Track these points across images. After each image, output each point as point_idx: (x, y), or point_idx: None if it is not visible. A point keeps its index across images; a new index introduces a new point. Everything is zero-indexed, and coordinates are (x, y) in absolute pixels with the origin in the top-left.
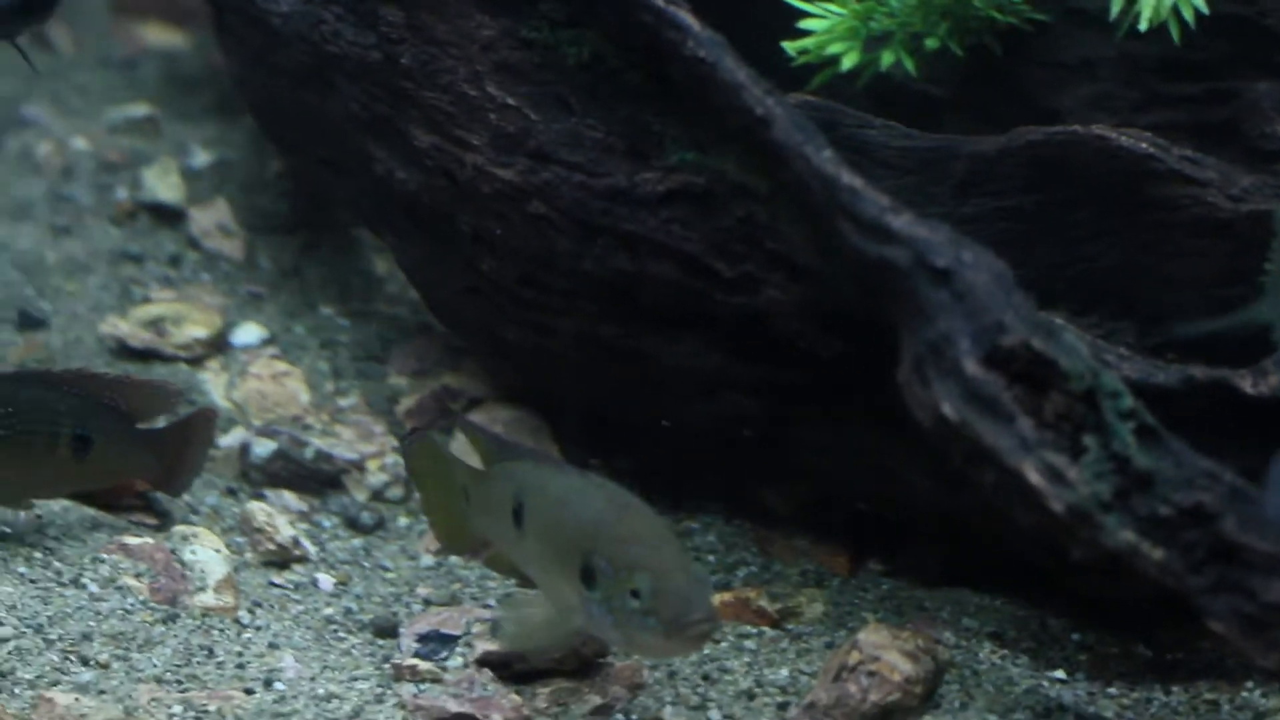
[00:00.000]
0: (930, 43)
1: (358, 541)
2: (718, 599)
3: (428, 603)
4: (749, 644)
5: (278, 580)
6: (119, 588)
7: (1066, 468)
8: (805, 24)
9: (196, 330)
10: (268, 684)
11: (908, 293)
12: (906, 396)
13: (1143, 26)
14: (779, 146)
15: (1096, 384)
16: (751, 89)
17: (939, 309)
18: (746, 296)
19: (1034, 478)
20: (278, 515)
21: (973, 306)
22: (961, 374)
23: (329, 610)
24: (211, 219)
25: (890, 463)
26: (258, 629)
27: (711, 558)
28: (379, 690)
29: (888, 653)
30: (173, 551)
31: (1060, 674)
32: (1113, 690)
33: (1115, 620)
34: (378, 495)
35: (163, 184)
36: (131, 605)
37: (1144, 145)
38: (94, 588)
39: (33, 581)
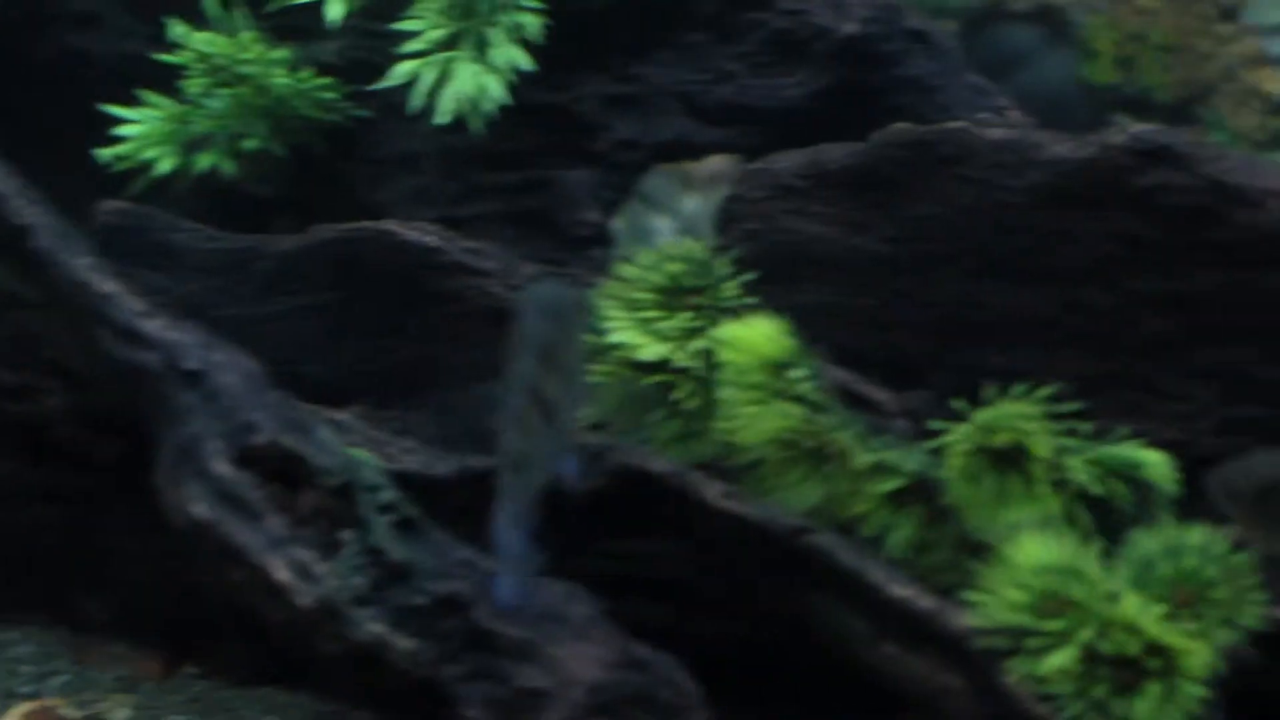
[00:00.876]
0: (249, 144)
1: None
2: (23, 708)
3: None
4: None
5: None
6: None
7: (315, 563)
8: (122, 130)
9: None
10: None
11: (162, 396)
12: (162, 499)
13: (442, 120)
14: (40, 255)
15: (352, 479)
16: (13, 200)
17: (190, 411)
18: (29, 404)
19: (281, 574)
20: None
21: (223, 407)
22: (211, 474)
23: None
24: None
25: (189, 565)
26: None
27: (28, 668)
28: None
29: None
30: None
31: None
32: None
33: (417, 712)
34: None
35: None
36: None
37: (429, 238)
38: None
39: None
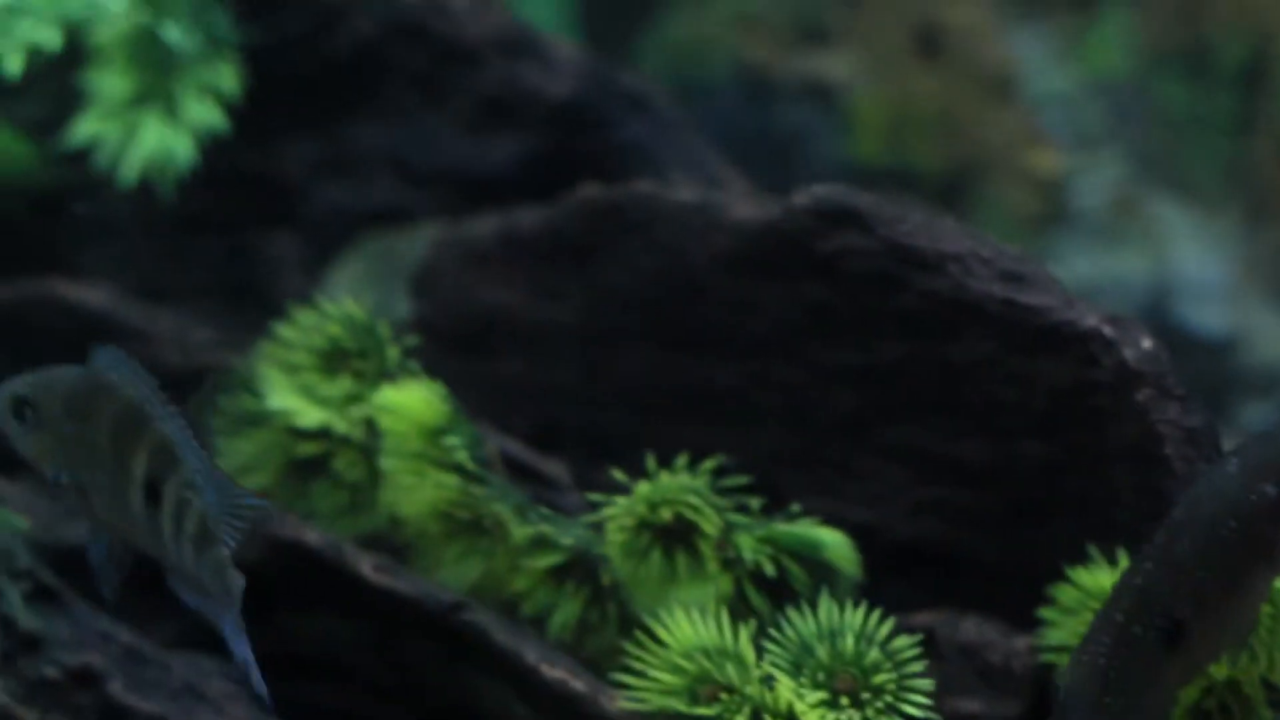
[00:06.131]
0: None
1: None
2: None
3: None
4: None
5: None
6: None
7: None
8: None
9: None
10: None
11: None
12: None
13: (127, 183)
14: None
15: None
16: None
17: None
18: None
19: None
20: None
21: None
22: None
23: None
24: None
25: None
26: None
27: None
28: None
29: None
30: None
31: None
32: None
33: None
34: None
35: None
36: None
37: (100, 300)
38: None
39: None
